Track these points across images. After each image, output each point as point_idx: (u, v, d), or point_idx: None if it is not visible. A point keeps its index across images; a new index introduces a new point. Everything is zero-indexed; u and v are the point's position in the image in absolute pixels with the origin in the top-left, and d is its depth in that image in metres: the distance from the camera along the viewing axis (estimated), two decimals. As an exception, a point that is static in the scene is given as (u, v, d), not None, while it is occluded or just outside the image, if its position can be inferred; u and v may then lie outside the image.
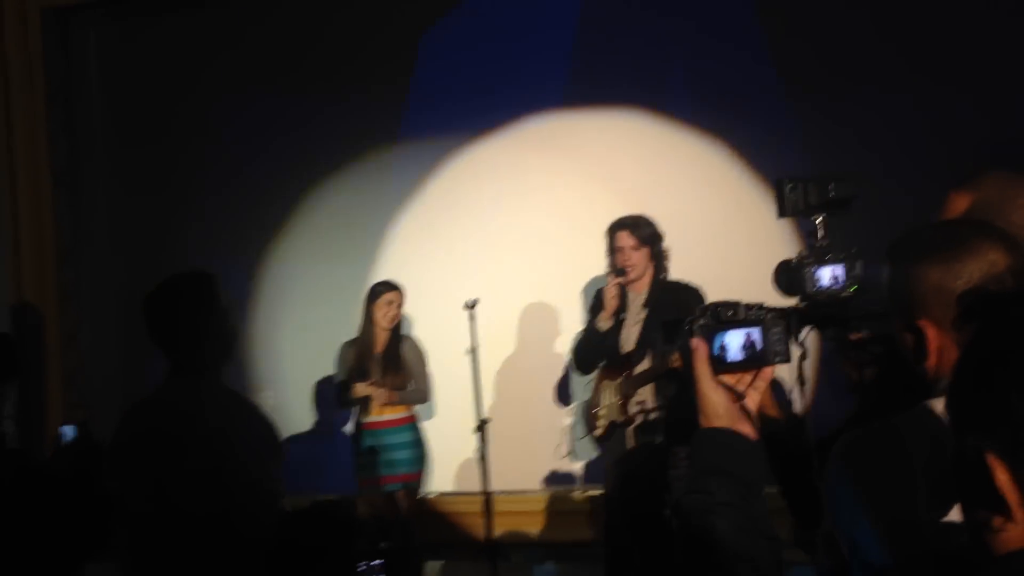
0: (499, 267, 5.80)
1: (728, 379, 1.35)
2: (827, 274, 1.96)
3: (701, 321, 1.36)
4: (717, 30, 5.46)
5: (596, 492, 5.49)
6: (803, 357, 1.61)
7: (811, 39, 5.31)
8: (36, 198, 6.31)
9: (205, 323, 2.64)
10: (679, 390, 3.94)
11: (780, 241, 5.10)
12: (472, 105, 5.87)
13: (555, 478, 5.76)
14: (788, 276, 2.04)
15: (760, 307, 1.37)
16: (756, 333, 1.34)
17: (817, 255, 1.97)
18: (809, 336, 1.95)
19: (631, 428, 4.33)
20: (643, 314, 4.32)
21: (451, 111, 5.89)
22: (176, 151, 6.42)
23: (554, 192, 5.75)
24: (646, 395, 4.28)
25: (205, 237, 6.20)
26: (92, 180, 6.60)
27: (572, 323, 5.61)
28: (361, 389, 4.93)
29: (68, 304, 6.45)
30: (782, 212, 2.04)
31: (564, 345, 5.71)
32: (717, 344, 1.35)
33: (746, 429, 1.31)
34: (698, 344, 1.34)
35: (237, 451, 2.54)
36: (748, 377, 1.36)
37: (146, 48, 6.52)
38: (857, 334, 1.95)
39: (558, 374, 5.67)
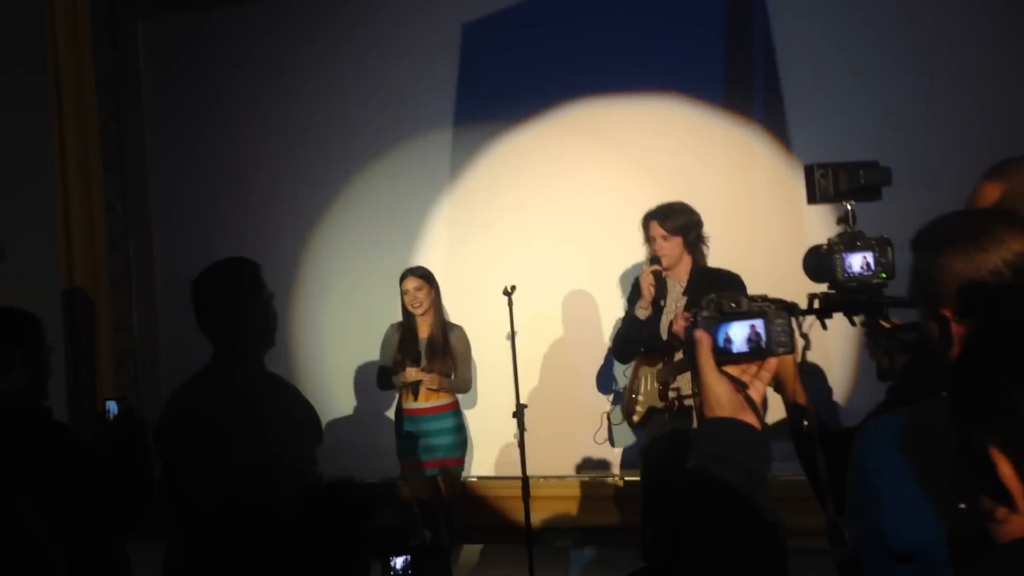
0: (538, 254, 5.83)
1: (732, 370, 1.36)
2: (858, 261, 1.95)
3: (705, 313, 1.37)
4: (751, 16, 5.41)
5: (633, 478, 5.51)
6: (806, 347, 1.61)
7: (847, 25, 5.25)
8: (87, 185, 6.45)
9: (247, 309, 2.72)
10: None
11: (817, 227, 5.06)
12: (511, 93, 5.89)
13: (592, 463, 5.79)
14: (818, 262, 2.03)
15: (763, 298, 1.39)
16: (759, 324, 1.36)
17: (847, 242, 1.96)
18: (842, 324, 1.95)
19: (668, 415, 4.34)
20: (682, 301, 4.33)
21: (490, 99, 5.92)
22: (221, 139, 6.53)
23: (593, 179, 5.76)
24: (683, 382, 4.29)
25: (250, 223, 6.30)
26: (140, 167, 6.73)
27: (610, 310, 5.63)
28: (412, 374, 4.98)
29: (118, 289, 6.60)
30: (812, 198, 2.03)
31: (602, 332, 5.73)
32: (721, 336, 1.37)
33: (750, 419, 1.32)
34: (701, 336, 1.35)
35: (277, 434, 2.60)
36: (753, 368, 1.37)
37: (192, 37, 6.64)
38: (888, 322, 1.94)
39: (596, 360, 5.69)
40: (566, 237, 5.80)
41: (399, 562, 2.48)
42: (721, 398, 1.32)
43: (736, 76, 5.46)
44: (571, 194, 5.81)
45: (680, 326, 4.24)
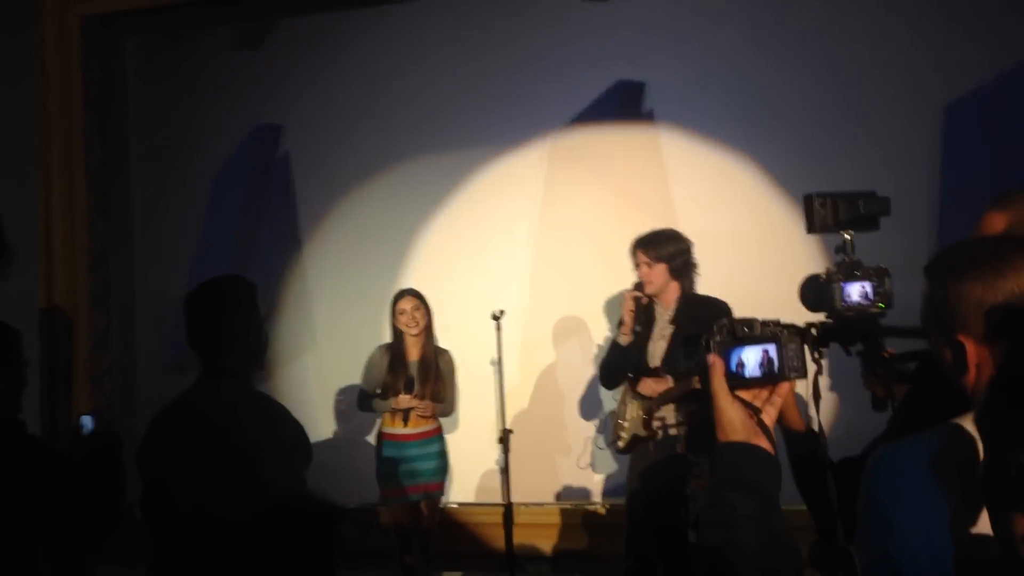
0: (524, 280, 5.84)
1: (745, 395, 1.37)
2: (856, 290, 1.96)
3: (717, 338, 1.38)
4: (741, 45, 5.48)
5: (615, 505, 5.50)
6: (818, 372, 1.62)
7: (836, 55, 5.33)
8: (70, 202, 6.39)
9: (241, 327, 2.69)
10: (700, 407, 3.96)
11: (806, 256, 5.11)
12: (499, 118, 5.92)
13: (573, 491, 5.77)
14: (816, 291, 2.04)
15: (776, 323, 1.39)
16: (772, 349, 1.36)
17: (846, 271, 1.97)
18: (825, 354, 1.96)
19: (652, 444, 4.34)
20: (669, 329, 4.34)
21: (478, 124, 5.95)
22: (206, 158, 6.51)
23: (580, 205, 5.79)
24: (668, 412, 4.29)
25: (233, 244, 6.28)
26: (123, 186, 6.69)
27: (596, 337, 5.64)
28: (405, 401, 4.94)
29: (97, 308, 6.54)
30: (811, 228, 2.04)
31: (586, 358, 5.73)
32: (734, 360, 1.37)
33: (764, 443, 1.33)
34: (714, 360, 1.36)
35: (267, 453, 2.57)
36: (765, 393, 1.38)
37: (181, 57, 6.63)
38: (888, 351, 1.95)
39: (580, 386, 5.69)
40: (551, 264, 5.81)
41: None
42: (735, 422, 1.32)
43: (725, 106, 5.51)
44: (557, 221, 5.83)
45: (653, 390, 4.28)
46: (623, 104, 5.75)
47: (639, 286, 4.36)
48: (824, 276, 2.03)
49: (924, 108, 5.12)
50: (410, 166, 6.13)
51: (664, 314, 4.39)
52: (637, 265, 4.38)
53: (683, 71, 5.59)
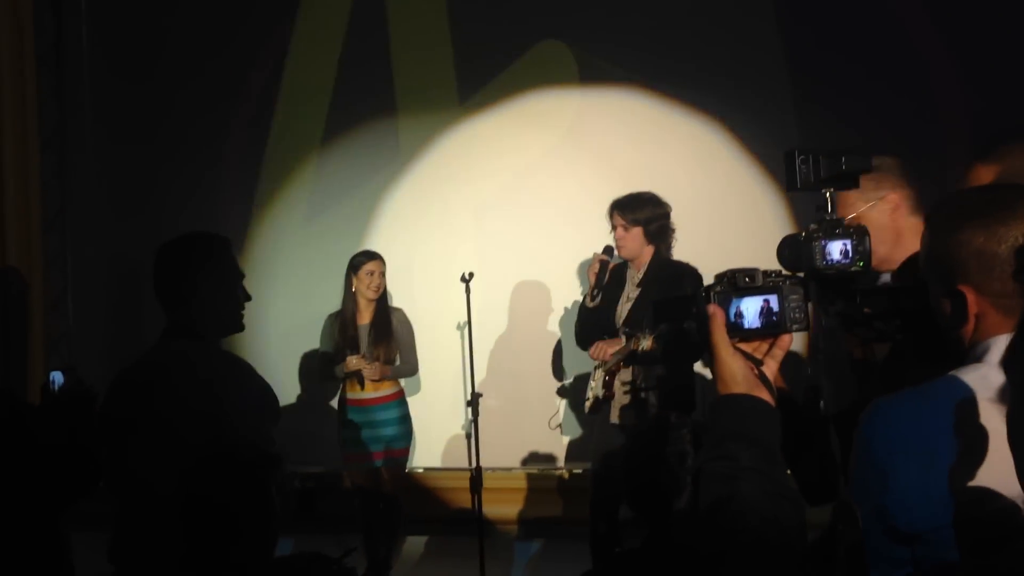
0: (491, 243, 5.79)
1: (745, 347, 1.35)
2: (837, 248, 1.94)
3: (718, 288, 1.35)
4: (717, 11, 5.44)
5: (580, 470, 5.52)
6: (820, 326, 1.60)
7: (810, 23, 5.31)
8: (23, 163, 6.25)
9: (216, 285, 2.61)
10: (668, 369, 3.95)
11: (774, 219, 5.13)
12: (469, 79, 5.84)
13: (539, 457, 5.77)
14: (795, 250, 2.01)
15: (779, 274, 1.37)
16: (774, 300, 1.34)
17: (827, 229, 1.95)
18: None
19: (614, 404, 4.34)
20: (636, 292, 4.33)
21: (447, 85, 5.86)
22: (165, 117, 6.36)
23: (550, 169, 5.74)
24: (630, 373, 4.28)
25: (193, 205, 6.15)
26: (79, 145, 6.53)
27: (565, 300, 5.62)
28: (353, 363, 4.87)
29: (53, 270, 6.40)
30: (791, 185, 2.01)
31: (555, 322, 5.71)
32: (733, 310, 1.35)
33: (765, 395, 1.31)
34: (715, 311, 1.34)
35: (233, 412, 2.51)
36: (765, 345, 1.36)
37: (136, 11, 6.44)
38: (865, 309, 1.94)
39: (547, 351, 5.67)
40: (520, 226, 5.77)
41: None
42: (736, 374, 1.30)
43: (696, 70, 5.47)
44: (526, 184, 5.78)
45: (604, 354, 4.27)
46: (591, 67, 5.70)
47: (609, 249, 4.36)
48: (804, 235, 2.01)
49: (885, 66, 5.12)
50: (377, 126, 6.04)
51: (635, 277, 4.39)
52: (614, 227, 4.38)
53: (656, 36, 5.54)
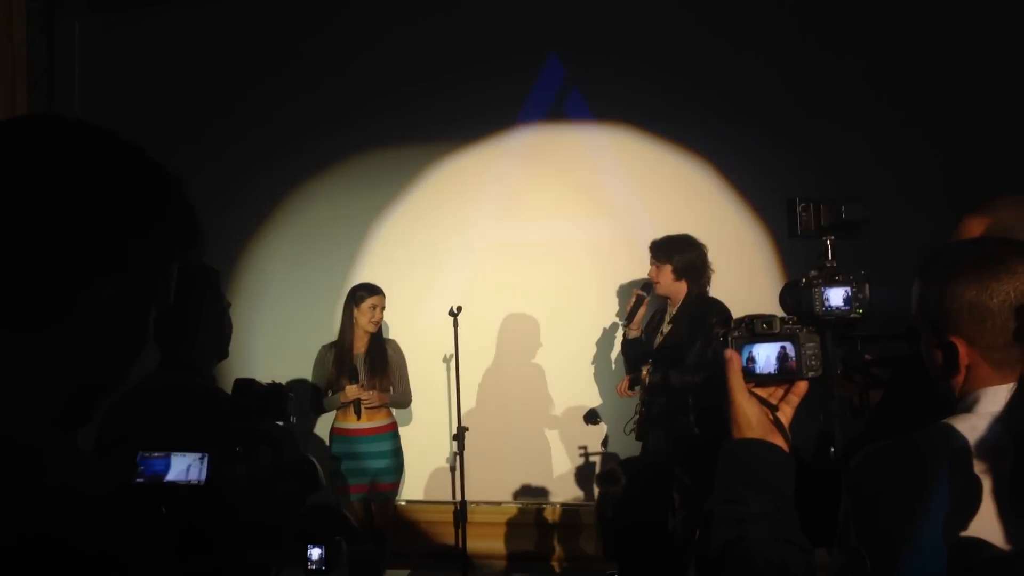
0: (479, 276, 5.79)
1: (761, 392, 1.36)
2: (837, 295, 1.98)
3: (736, 333, 1.37)
4: (705, 54, 5.50)
5: (567, 505, 5.51)
6: (836, 372, 1.62)
7: (799, 66, 5.38)
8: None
9: (203, 316, 2.61)
10: (682, 409, 4.18)
11: (759, 260, 5.17)
12: (459, 114, 5.86)
13: (529, 491, 5.75)
14: (796, 296, 2.05)
15: (796, 321, 1.38)
16: (790, 347, 1.36)
17: (827, 276, 1.98)
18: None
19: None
20: (668, 328, 4.60)
21: (438, 119, 5.88)
22: (156, 146, 6.28)
23: (539, 202, 5.76)
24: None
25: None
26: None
27: (553, 334, 5.63)
28: (352, 391, 4.87)
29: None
30: (793, 232, 2.05)
31: (543, 356, 5.71)
32: (748, 355, 1.36)
33: (779, 441, 1.32)
34: (731, 356, 1.35)
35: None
36: (781, 391, 1.37)
37: (129, 40, 6.44)
38: (866, 356, 1.97)
39: (535, 384, 5.67)
40: (508, 260, 5.78)
41: (315, 553, 2.36)
42: (751, 419, 1.31)
43: (684, 110, 5.52)
44: (516, 216, 5.80)
45: (622, 388, 4.74)
46: (583, 105, 5.74)
47: (647, 285, 4.69)
48: (804, 281, 2.04)
49: (884, 111, 5.19)
50: (368, 158, 6.04)
51: (670, 312, 4.65)
52: (652, 264, 4.67)
53: (645, 75, 5.59)
